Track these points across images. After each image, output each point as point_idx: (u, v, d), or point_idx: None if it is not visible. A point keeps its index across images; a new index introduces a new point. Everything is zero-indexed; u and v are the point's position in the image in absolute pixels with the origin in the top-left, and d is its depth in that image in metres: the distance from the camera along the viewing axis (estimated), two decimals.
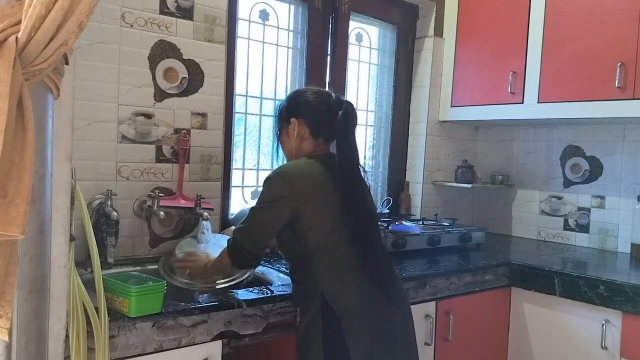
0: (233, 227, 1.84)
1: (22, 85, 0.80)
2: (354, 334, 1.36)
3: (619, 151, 2.57)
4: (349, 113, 1.51)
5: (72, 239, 1.11)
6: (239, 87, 2.19)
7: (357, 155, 1.50)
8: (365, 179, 1.51)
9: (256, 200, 1.45)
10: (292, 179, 1.42)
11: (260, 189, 1.46)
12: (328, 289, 1.38)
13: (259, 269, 1.81)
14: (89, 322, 1.15)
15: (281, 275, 1.75)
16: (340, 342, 1.35)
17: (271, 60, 2.32)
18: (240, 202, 2.21)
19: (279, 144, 1.61)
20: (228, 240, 1.47)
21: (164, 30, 1.85)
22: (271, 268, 1.84)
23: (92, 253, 1.26)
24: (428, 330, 1.91)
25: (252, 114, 2.27)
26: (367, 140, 2.78)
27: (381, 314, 1.41)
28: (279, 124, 1.59)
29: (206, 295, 1.49)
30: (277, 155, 1.63)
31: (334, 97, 1.54)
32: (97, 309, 1.20)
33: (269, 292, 1.53)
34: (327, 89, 1.63)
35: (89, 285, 1.34)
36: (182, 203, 1.88)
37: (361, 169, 1.50)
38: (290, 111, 1.54)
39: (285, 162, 1.60)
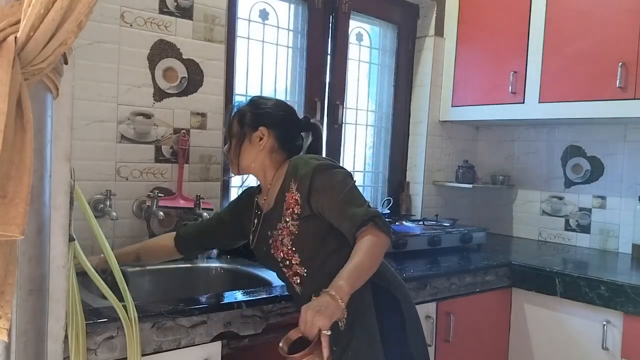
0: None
1: (22, 85, 0.80)
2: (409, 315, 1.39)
3: (620, 151, 2.56)
4: (318, 137, 1.53)
5: (71, 239, 1.11)
6: (239, 87, 2.19)
7: None
8: None
9: (332, 188, 1.31)
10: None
11: (316, 182, 1.32)
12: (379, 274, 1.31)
13: (258, 269, 1.81)
14: (87, 323, 1.15)
15: None
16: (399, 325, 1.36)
17: (271, 59, 2.32)
18: None
19: (232, 150, 1.47)
20: (362, 221, 1.27)
21: (163, 29, 1.85)
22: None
23: (105, 250, 1.26)
24: (428, 331, 1.90)
25: None
26: (367, 140, 2.78)
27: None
28: (239, 129, 1.46)
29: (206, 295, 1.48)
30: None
31: (302, 118, 1.53)
32: (125, 307, 1.20)
33: (269, 292, 1.53)
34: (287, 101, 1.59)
35: (88, 285, 1.34)
36: (182, 203, 1.88)
37: None
38: (258, 118, 1.45)
39: (231, 169, 1.51)
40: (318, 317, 1.12)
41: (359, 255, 1.24)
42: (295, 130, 1.50)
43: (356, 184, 1.37)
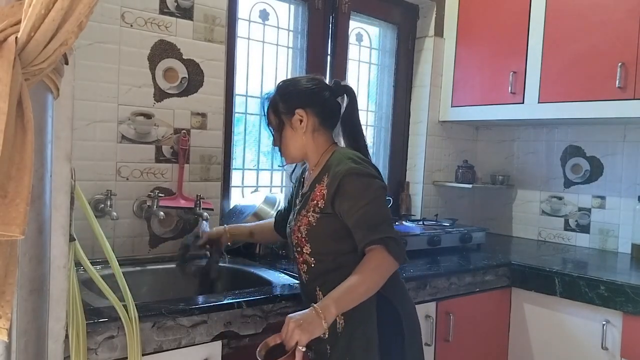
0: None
1: (22, 85, 0.80)
2: (410, 332, 1.38)
3: (620, 151, 2.57)
4: (354, 98, 1.46)
5: (71, 239, 1.11)
6: (239, 87, 2.19)
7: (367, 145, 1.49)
8: None
9: (358, 196, 1.29)
10: (376, 170, 1.38)
11: (344, 185, 1.30)
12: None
13: (258, 269, 1.81)
14: (88, 322, 1.15)
15: (281, 275, 1.74)
16: (398, 341, 1.35)
17: (271, 60, 2.32)
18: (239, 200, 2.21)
19: (280, 142, 1.45)
20: (373, 240, 1.27)
21: (163, 30, 1.85)
22: (270, 268, 1.83)
23: (106, 251, 1.26)
24: (428, 331, 1.90)
25: (252, 114, 2.27)
26: (367, 141, 2.77)
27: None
28: (276, 119, 1.44)
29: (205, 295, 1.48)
30: (277, 155, 1.51)
31: (332, 83, 1.47)
32: (125, 307, 1.20)
33: (269, 292, 1.53)
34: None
35: (88, 285, 1.35)
36: (182, 203, 1.88)
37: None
38: (291, 102, 1.41)
39: (285, 160, 1.49)
40: (298, 331, 1.14)
41: (358, 277, 1.24)
42: (331, 99, 1.44)
43: (385, 203, 1.34)
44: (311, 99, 1.41)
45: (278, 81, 1.53)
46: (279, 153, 1.48)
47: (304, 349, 1.14)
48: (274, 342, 1.19)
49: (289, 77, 2.38)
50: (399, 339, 1.36)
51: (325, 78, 1.49)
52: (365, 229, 1.28)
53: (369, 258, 1.26)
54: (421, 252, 2.20)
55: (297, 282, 1.64)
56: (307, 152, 1.44)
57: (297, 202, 1.49)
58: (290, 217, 1.50)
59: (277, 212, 1.74)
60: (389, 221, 1.31)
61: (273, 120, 1.45)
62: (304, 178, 1.54)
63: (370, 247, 1.27)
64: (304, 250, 1.40)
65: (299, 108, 1.40)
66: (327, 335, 1.19)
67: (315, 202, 1.36)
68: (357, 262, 1.29)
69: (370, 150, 2.77)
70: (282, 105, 1.42)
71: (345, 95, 1.46)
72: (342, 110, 1.47)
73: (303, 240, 1.39)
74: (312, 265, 1.39)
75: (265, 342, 1.20)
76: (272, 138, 1.49)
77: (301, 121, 1.40)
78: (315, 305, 1.19)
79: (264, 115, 1.48)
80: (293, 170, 1.62)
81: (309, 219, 1.37)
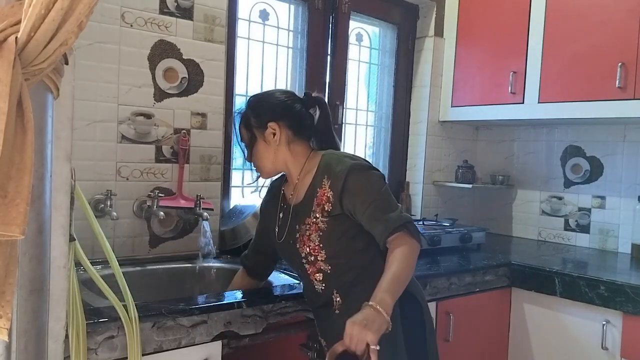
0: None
1: (22, 85, 0.80)
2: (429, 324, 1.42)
3: (620, 151, 2.57)
4: (325, 109, 1.48)
5: (71, 239, 1.11)
6: (239, 87, 2.19)
7: None
8: None
9: (367, 190, 1.31)
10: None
11: (350, 183, 1.31)
12: None
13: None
14: (88, 322, 1.15)
15: (281, 275, 1.74)
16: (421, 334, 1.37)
17: (271, 60, 2.32)
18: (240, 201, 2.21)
19: (253, 156, 1.45)
20: (395, 227, 1.28)
21: (163, 30, 1.85)
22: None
23: (106, 251, 1.26)
24: None
25: None
26: (367, 141, 2.78)
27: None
28: (248, 134, 1.44)
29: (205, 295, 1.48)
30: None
31: (303, 95, 1.48)
32: (125, 307, 1.20)
33: (269, 292, 1.53)
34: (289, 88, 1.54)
35: (88, 285, 1.35)
36: (182, 203, 1.88)
37: None
38: (263, 116, 1.41)
39: (260, 175, 1.48)
40: (365, 332, 1.11)
41: (396, 264, 1.24)
42: (302, 110, 1.45)
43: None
44: (283, 112, 1.42)
45: (254, 93, 1.54)
46: (254, 169, 1.49)
47: (378, 348, 1.12)
48: (341, 349, 1.16)
49: (288, 77, 2.39)
50: (421, 328, 1.38)
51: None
52: (383, 221, 1.29)
53: (397, 245, 1.27)
54: (421, 252, 2.15)
55: (297, 281, 1.64)
56: (287, 164, 1.44)
57: (286, 218, 1.45)
58: (282, 233, 1.46)
59: (244, 258, 1.64)
60: (399, 207, 1.33)
61: (245, 135, 1.45)
62: (283, 191, 1.51)
63: (394, 236, 1.28)
64: (319, 258, 1.37)
65: (271, 121, 1.40)
66: (390, 329, 1.17)
67: (321, 206, 1.35)
68: (369, 259, 1.31)
69: (370, 150, 2.81)
70: (254, 119, 1.43)
71: (317, 107, 1.48)
72: (315, 121, 1.48)
73: (317, 248, 1.37)
74: (328, 271, 1.37)
75: (331, 351, 1.17)
76: (246, 154, 1.49)
77: (274, 134, 1.41)
78: (369, 303, 1.17)
79: (236, 131, 1.48)
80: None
81: (318, 225, 1.35)
